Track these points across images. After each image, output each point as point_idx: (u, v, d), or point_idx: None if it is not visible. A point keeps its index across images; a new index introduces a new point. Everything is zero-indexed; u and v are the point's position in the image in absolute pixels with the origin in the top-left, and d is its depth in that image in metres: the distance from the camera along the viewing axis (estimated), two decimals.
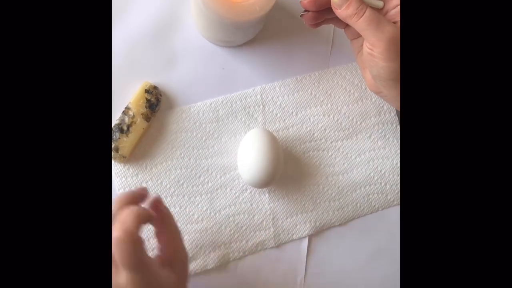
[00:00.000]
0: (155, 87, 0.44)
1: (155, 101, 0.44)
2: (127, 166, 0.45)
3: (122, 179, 0.44)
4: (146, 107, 0.44)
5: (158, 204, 0.38)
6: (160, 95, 0.45)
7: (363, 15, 0.35)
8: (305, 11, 0.38)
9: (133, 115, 0.44)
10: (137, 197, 0.36)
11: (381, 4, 0.36)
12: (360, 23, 0.35)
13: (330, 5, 0.37)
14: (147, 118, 0.44)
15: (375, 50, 0.35)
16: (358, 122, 0.48)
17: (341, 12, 0.36)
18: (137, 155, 0.45)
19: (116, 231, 0.31)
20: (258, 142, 0.43)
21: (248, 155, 0.43)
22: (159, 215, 0.37)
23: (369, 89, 0.41)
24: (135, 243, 0.32)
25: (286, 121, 0.47)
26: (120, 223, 0.32)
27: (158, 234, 0.38)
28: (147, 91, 0.44)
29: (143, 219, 0.33)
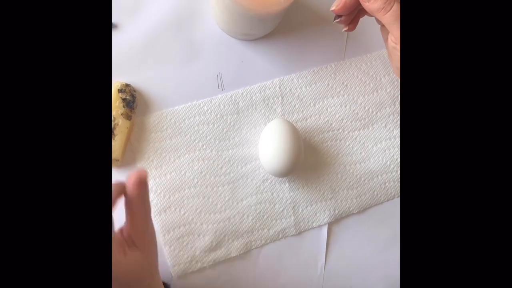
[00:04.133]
0: (127, 85, 0.45)
1: (131, 98, 0.44)
2: (150, 158, 0.46)
3: (147, 171, 0.45)
4: (123, 107, 0.44)
5: (141, 177, 0.35)
6: (134, 91, 0.45)
7: (390, 9, 0.36)
8: (338, 16, 0.40)
9: (114, 118, 0.44)
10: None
11: None
12: (387, 18, 0.36)
13: (359, 5, 0.38)
14: (127, 117, 0.44)
15: (399, 45, 0.36)
16: (374, 112, 0.50)
17: (369, 5, 0.37)
18: (157, 148, 0.46)
19: None
20: (280, 132, 0.44)
21: (270, 145, 0.44)
22: (138, 191, 0.35)
23: (396, 75, 0.41)
24: None
25: (305, 112, 0.49)
26: None
27: (129, 212, 0.36)
28: (120, 90, 0.44)
29: (116, 191, 0.34)
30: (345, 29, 0.41)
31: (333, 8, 0.39)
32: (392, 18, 0.36)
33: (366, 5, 0.37)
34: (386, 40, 0.40)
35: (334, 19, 0.40)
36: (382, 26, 0.41)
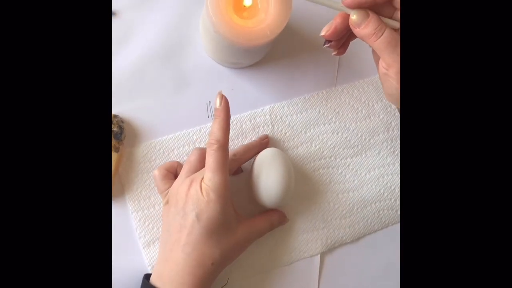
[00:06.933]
0: (114, 116, 0.44)
1: (119, 130, 0.43)
2: (139, 189, 0.45)
3: (135, 203, 0.45)
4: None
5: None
6: (122, 122, 0.44)
7: (381, 35, 0.35)
8: (328, 41, 0.39)
9: None
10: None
11: (397, 24, 0.37)
12: (378, 44, 0.35)
13: (349, 30, 0.37)
14: (115, 149, 0.43)
15: (390, 71, 0.36)
16: (367, 139, 0.49)
17: (360, 31, 0.36)
18: (146, 179, 0.45)
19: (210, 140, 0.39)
20: (270, 162, 0.43)
21: (260, 175, 0.43)
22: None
23: (388, 100, 0.40)
24: (226, 149, 0.39)
25: (296, 140, 0.48)
26: (211, 135, 0.39)
27: None
28: None
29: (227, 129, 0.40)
30: (335, 53, 0.40)
31: (322, 33, 0.38)
32: (383, 44, 0.35)
33: (357, 30, 0.36)
34: (377, 63, 0.40)
35: (324, 44, 0.40)
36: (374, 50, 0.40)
